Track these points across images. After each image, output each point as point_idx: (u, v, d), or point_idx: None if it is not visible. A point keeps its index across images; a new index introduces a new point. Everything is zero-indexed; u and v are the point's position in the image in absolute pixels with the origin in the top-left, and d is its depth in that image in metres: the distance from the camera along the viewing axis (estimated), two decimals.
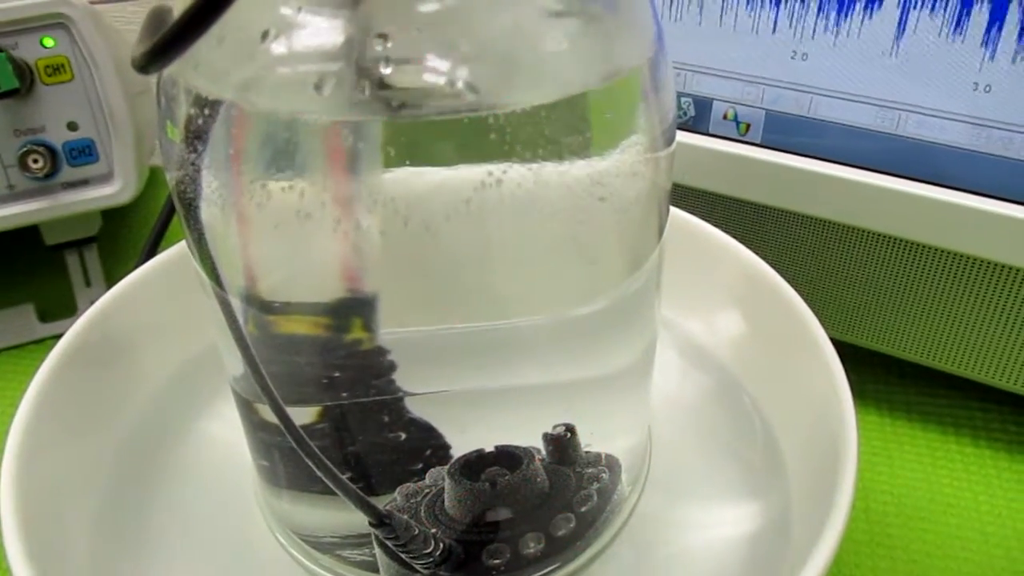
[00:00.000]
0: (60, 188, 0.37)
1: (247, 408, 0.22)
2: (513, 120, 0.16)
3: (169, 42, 0.13)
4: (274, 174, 0.16)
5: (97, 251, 0.41)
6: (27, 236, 0.38)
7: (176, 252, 0.28)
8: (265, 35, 0.15)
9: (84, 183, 0.37)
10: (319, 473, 0.20)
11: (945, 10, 0.27)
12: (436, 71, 0.15)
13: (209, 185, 0.18)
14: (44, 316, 0.41)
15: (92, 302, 0.41)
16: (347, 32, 0.15)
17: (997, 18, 0.26)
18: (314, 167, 0.16)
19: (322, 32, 0.15)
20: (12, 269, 0.43)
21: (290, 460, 0.23)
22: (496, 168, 0.16)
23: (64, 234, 0.39)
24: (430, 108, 0.15)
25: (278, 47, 0.15)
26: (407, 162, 0.16)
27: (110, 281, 0.41)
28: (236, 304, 0.19)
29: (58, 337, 0.40)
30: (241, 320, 0.19)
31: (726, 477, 0.26)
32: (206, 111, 0.16)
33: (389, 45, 0.15)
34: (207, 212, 0.18)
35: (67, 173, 0.36)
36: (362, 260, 0.18)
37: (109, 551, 0.23)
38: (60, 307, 0.41)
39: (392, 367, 0.21)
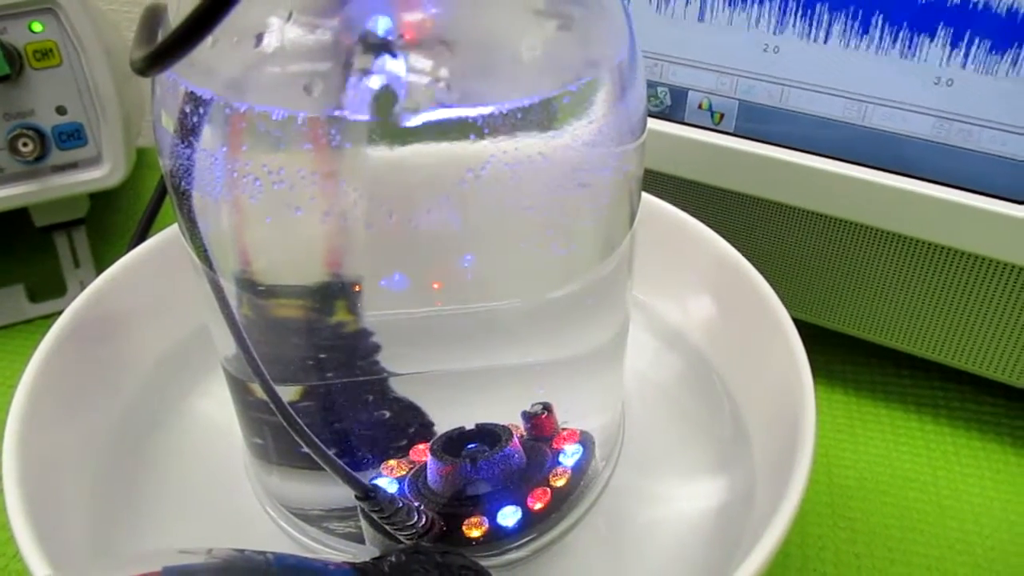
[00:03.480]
0: (49, 171, 0.37)
1: (238, 387, 0.23)
2: (493, 119, 0.17)
3: (168, 49, 0.13)
4: (264, 168, 0.17)
5: (86, 232, 0.42)
6: (17, 218, 0.39)
7: (168, 235, 0.29)
8: (259, 39, 0.16)
9: (73, 166, 0.38)
10: (308, 449, 0.21)
11: (900, 16, 0.28)
12: (420, 72, 0.16)
13: (201, 175, 0.19)
14: (34, 296, 0.41)
15: (81, 283, 0.42)
16: (335, 36, 0.16)
17: (951, 21, 0.28)
18: (303, 162, 0.17)
19: (311, 36, 0.16)
20: (2, 251, 0.44)
21: (280, 437, 0.24)
22: (476, 163, 0.17)
23: (53, 216, 0.40)
24: (412, 107, 0.16)
25: (270, 51, 0.16)
26: (391, 157, 0.17)
27: (98, 262, 0.42)
28: (227, 286, 0.20)
29: (48, 317, 0.41)
30: (232, 302, 0.20)
31: (695, 452, 0.27)
32: (199, 108, 0.17)
33: (376, 48, 0.16)
34: (199, 199, 0.19)
35: (56, 156, 0.37)
36: (348, 248, 0.19)
37: (106, 519, 0.24)
38: (50, 288, 0.42)
39: (376, 348, 0.23)
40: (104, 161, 0.38)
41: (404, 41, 0.16)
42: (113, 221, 0.46)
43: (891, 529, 0.31)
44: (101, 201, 0.42)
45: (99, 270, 0.42)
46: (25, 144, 0.36)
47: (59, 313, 0.41)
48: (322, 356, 0.23)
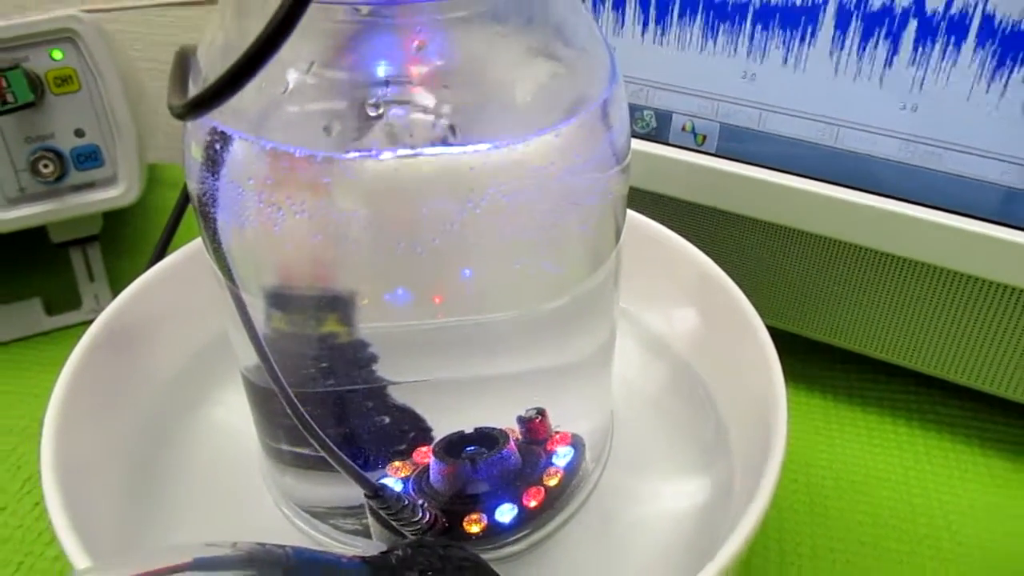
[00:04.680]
0: (68, 191, 0.39)
1: (257, 393, 0.25)
2: (491, 155, 0.19)
3: (207, 99, 0.15)
4: (287, 199, 0.19)
5: (100, 248, 0.44)
6: (34, 235, 0.41)
7: (185, 252, 0.31)
8: (282, 85, 0.18)
9: (90, 186, 0.40)
10: (322, 451, 0.23)
11: (873, 35, 0.30)
12: (425, 113, 0.18)
13: (226, 201, 0.21)
14: (50, 309, 0.43)
15: (96, 296, 0.44)
16: (349, 82, 0.18)
17: (922, 43, 0.30)
18: (321, 194, 0.19)
19: (328, 83, 0.18)
20: (20, 266, 0.46)
21: (295, 440, 0.26)
22: (476, 194, 0.19)
23: (69, 233, 0.42)
24: (420, 146, 0.18)
25: (293, 96, 0.18)
26: (400, 189, 0.19)
27: (112, 277, 0.44)
28: (249, 300, 0.22)
29: (64, 329, 0.43)
30: (253, 315, 0.22)
31: (680, 454, 0.29)
32: (226, 143, 0.19)
33: (387, 94, 0.18)
34: (223, 222, 0.21)
35: (74, 177, 0.39)
36: (360, 269, 0.21)
37: (134, 517, 0.26)
38: (65, 301, 0.44)
39: (373, 358, 0.24)
40: (119, 181, 0.40)
41: (411, 85, 0.18)
42: (125, 237, 0.48)
43: (864, 525, 0.33)
44: (114, 218, 0.44)
45: (112, 284, 0.44)
46: (46, 165, 0.38)
47: (74, 325, 0.43)
48: (334, 366, 0.24)
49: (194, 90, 0.20)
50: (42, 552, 0.32)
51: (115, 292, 0.43)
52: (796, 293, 0.37)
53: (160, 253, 0.31)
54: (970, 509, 0.33)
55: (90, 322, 0.42)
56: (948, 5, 0.29)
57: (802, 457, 0.35)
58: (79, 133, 0.38)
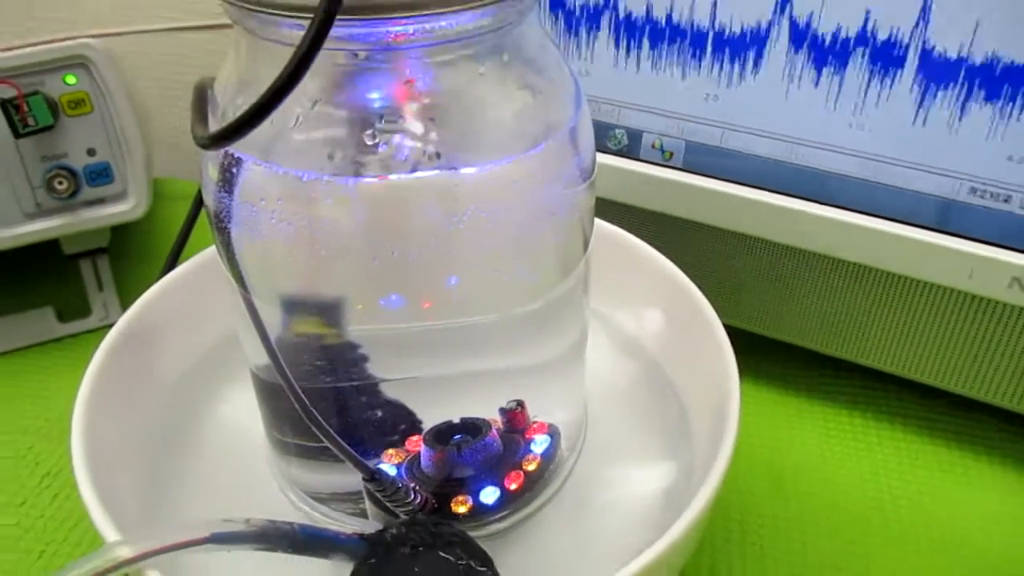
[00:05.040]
0: (80, 206, 0.42)
1: (265, 389, 0.28)
2: (473, 177, 0.22)
3: (231, 133, 0.18)
4: (296, 215, 0.22)
5: (108, 259, 0.46)
6: (46, 247, 0.44)
7: (197, 261, 0.34)
8: (295, 121, 0.21)
9: (101, 201, 0.42)
10: (325, 441, 0.26)
11: (823, 62, 0.33)
12: (416, 141, 0.21)
13: (240, 217, 0.24)
14: (62, 317, 0.46)
15: (104, 304, 0.46)
16: (349, 114, 0.21)
17: (876, 68, 0.33)
18: (326, 211, 0.22)
19: (331, 117, 0.21)
20: (33, 276, 0.49)
21: (299, 432, 0.29)
22: (460, 210, 0.22)
23: (80, 245, 0.45)
24: (410, 170, 0.21)
25: (301, 126, 0.21)
26: (394, 207, 0.22)
27: (119, 286, 0.47)
28: (260, 306, 0.25)
29: (75, 336, 0.46)
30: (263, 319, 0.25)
31: (647, 443, 0.32)
32: (240, 167, 0.22)
33: (381, 126, 0.21)
34: (237, 235, 0.24)
35: (86, 193, 0.42)
36: (359, 276, 0.24)
37: (153, 499, 0.29)
38: (76, 309, 0.46)
39: (365, 358, 0.27)
40: (129, 196, 0.42)
41: (402, 118, 0.21)
42: (132, 249, 0.51)
43: (820, 508, 0.36)
44: (121, 231, 0.47)
45: (120, 293, 0.46)
46: (60, 182, 0.40)
47: (85, 332, 0.46)
48: (332, 365, 0.27)
49: (212, 120, 0.22)
50: (64, 539, 0.35)
51: (123, 300, 0.46)
52: (758, 296, 0.40)
53: (172, 262, 0.33)
54: (917, 494, 0.36)
55: (99, 329, 0.45)
56: (888, 39, 0.32)
57: (765, 446, 0.38)
58: (91, 152, 0.41)
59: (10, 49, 0.39)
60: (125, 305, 0.46)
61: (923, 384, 0.38)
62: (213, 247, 0.34)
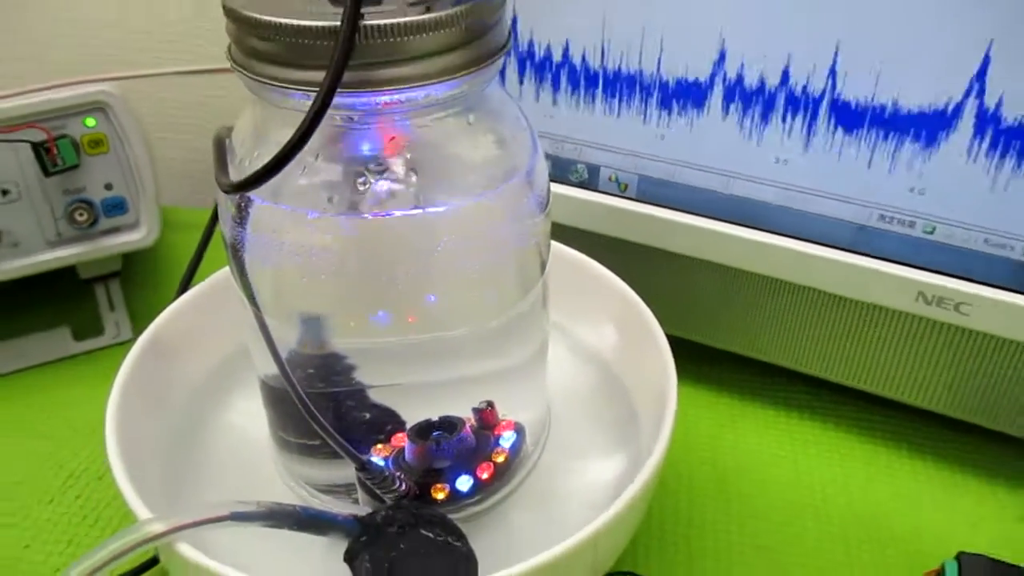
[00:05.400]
0: (97, 235, 0.47)
1: (272, 394, 0.33)
2: (446, 214, 0.27)
3: (250, 183, 0.23)
4: (302, 246, 0.27)
5: (119, 283, 0.51)
6: (63, 271, 0.48)
7: (209, 283, 0.38)
8: (302, 169, 0.26)
9: (116, 230, 0.47)
10: (325, 438, 0.30)
11: (752, 108, 0.39)
12: (399, 184, 0.26)
13: (253, 246, 0.28)
14: (77, 336, 0.50)
15: (116, 324, 0.51)
16: (345, 164, 0.26)
17: (786, 115, 0.38)
18: (326, 243, 0.26)
19: (330, 167, 0.26)
20: (51, 299, 0.53)
21: (300, 433, 0.33)
22: (435, 242, 0.27)
23: (95, 270, 0.49)
24: (395, 209, 0.26)
25: (305, 174, 0.26)
26: (382, 239, 0.26)
27: (130, 307, 0.51)
28: (269, 322, 0.30)
29: (89, 353, 0.50)
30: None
31: (602, 438, 0.37)
32: (251, 204, 0.27)
33: (371, 170, 0.26)
34: (250, 261, 0.29)
35: (103, 223, 0.46)
36: (353, 296, 0.29)
37: (173, 485, 0.33)
38: (90, 329, 0.51)
39: (356, 367, 0.32)
40: (141, 226, 0.47)
41: (388, 167, 0.26)
42: (141, 273, 0.55)
43: (759, 496, 0.40)
44: (131, 256, 0.51)
45: (130, 314, 0.51)
46: (80, 214, 0.45)
47: (98, 349, 0.50)
48: (310, 371, 0.32)
49: (231, 167, 0.27)
50: (86, 533, 0.39)
51: (133, 320, 0.51)
52: (702, 310, 0.45)
53: (185, 285, 0.38)
54: (844, 484, 0.41)
55: (112, 346, 0.49)
56: (804, 89, 0.37)
57: (710, 444, 0.43)
58: (108, 186, 0.46)
59: (34, 91, 0.44)
60: (135, 324, 0.51)
61: (851, 388, 0.44)
62: (220, 271, 0.39)
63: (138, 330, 0.49)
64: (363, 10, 0.23)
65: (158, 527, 0.27)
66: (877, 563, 0.37)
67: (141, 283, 0.54)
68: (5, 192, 0.43)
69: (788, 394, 0.46)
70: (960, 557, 0.36)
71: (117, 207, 0.46)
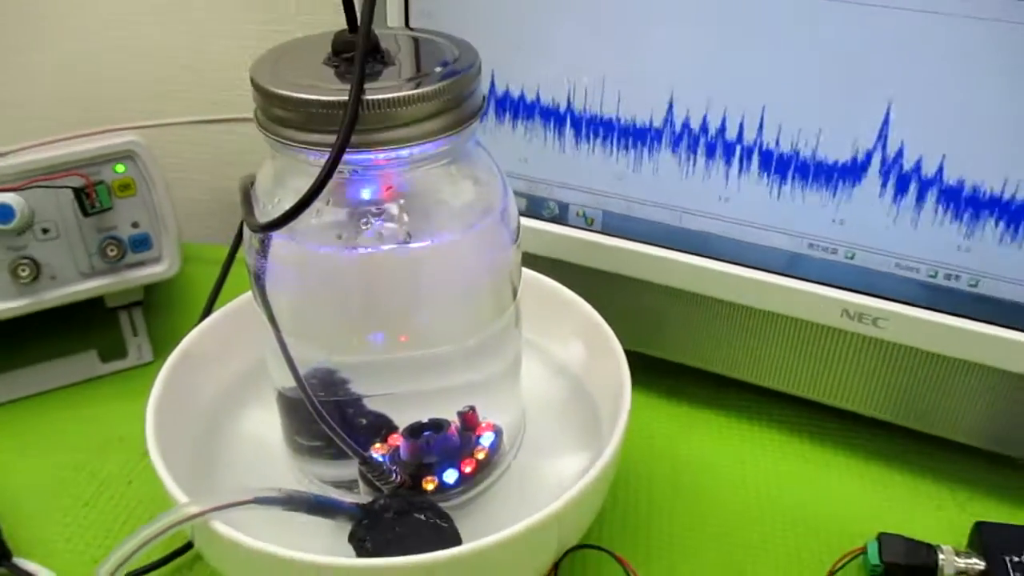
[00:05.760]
0: (124, 268, 0.52)
1: (288, 403, 0.38)
2: (433, 248, 0.33)
3: (276, 224, 0.29)
4: (314, 276, 0.33)
5: (142, 311, 0.56)
6: (91, 300, 0.54)
7: (229, 307, 0.44)
8: (316, 213, 0.32)
9: (141, 264, 0.53)
10: (334, 438, 0.36)
11: (697, 154, 0.45)
12: (394, 223, 0.32)
13: (272, 274, 0.34)
14: (103, 358, 0.56)
15: (139, 347, 0.57)
16: (350, 208, 0.32)
17: (727, 160, 0.44)
18: (335, 273, 0.32)
19: (338, 209, 0.32)
20: (80, 325, 0.58)
21: (312, 436, 0.39)
22: (424, 269, 0.33)
23: (121, 299, 0.55)
24: (391, 244, 0.32)
25: (317, 215, 0.32)
26: (381, 268, 0.33)
27: (151, 333, 0.57)
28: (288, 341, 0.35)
29: (115, 373, 0.56)
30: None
31: (570, 439, 0.43)
32: (271, 239, 0.33)
33: (371, 214, 0.32)
34: (270, 287, 0.35)
35: (130, 257, 0.52)
36: (357, 317, 0.35)
37: (201, 476, 0.39)
38: (114, 352, 0.56)
39: (357, 379, 0.38)
40: (163, 260, 0.53)
41: (385, 209, 0.32)
42: (160, 302, 0.61)
43: (711, 490, 0.46)
44: (152, 287, 0.57)
45: (151, 338, 0.56)
46: (111, 250, 0.51)
47: (123, 371, 0.56)
48: (312, 382, 0.38)
49: (256, 210, 0.33)
50: (119, 529, 0.44)
51: (153, 344, 0.56)
52: (660, 329, 0.51)
53: (208, 309, 0.44)
54: (783, 479, 0.47)
55: (135, 368, 0.55)
56: (738, 138, 0.43)
57: (668, 446, 0.49)
58: (135, 225, 0.52)
59: (71, 138, 0.50)
60: (156, 348, 0.56)
61: (790, 395, 0.49)
62: (238, 298, 0.44)
63: (159, 352, 0.55)
64: (364, 85, 0.29)
65: (195, 508, 0.33)
66: (811, 544, 0.43)
67: (160, 311, 0.60)
68: (46, 231, 0.49)
69: (738, 403, 0.52)
70: (880, 537, 0.41)
71: (143, 243, 0.52)
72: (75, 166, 0.48)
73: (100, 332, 0.57)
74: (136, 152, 0.51)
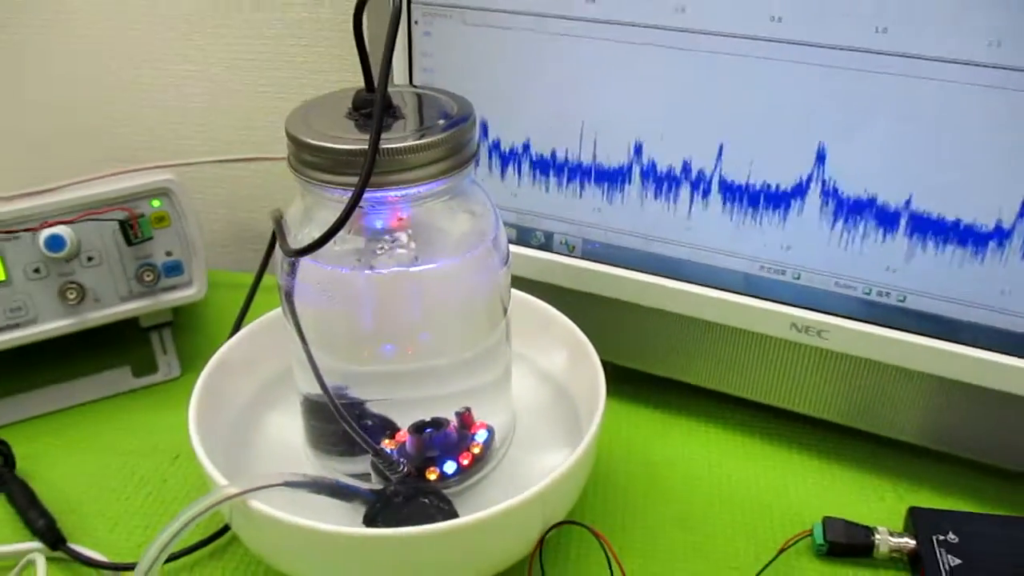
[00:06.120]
0: (158, 291, 0.59)
1: (312, 407, 0.45)
2: (435, 270, 0.39)
3: (307, 250, 0.36)
4: (337, 294, 0.39)
5: (171, 330, 0.63)
6: (126, 321, 0.60)
7: (257, 323, 0.50)
8: (338, 239, 0.38)
9: (173, 288, 0.59)
10: (353, 435, 0.42)
11: (662, 188, 0.52)
12: (401, 248, 0.39)
13: (300, 292, 0.41)
14: (135, 374, 0.62)
15: (168, 364, 0.63)
16: (367, 235, 0.39)
17: (695, 191, 0.51)
18: (354, 293, 0.39)
19: (356, 237, 0.39)
20: (115, 343, 0.65)
21: (330, 434, 0.45)
22: (428, 289, 0.39)
23: (153, 320, 0.61)
24: (401, 267, 0.39)
25: (340, 243, 0.39)
26: (391, 289, 0.39)
27: (179, 350, 0.63)
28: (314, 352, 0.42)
29: (146, 387, 0.62)
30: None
31: (554, 438, 0.49)
32: (298, 263, 0.39)
33: (384, 240, 0.39)
34: (299, 304, 0.41)
35: (163, 282, 0.59)
36: (370, 330, 0.41)
37: (233, 467, 0.45)
38: (146, 367, 0.62)
39: (372, 384, 0.44)
40: (193, 284, 0.59)
41: (396, 235, 0.39)
42: (186, 322, 0.68)
43: (679, 484, 0.52)
44: (180, 308, 0.63)
45: (179, 356, 0.63)
46: (148, 275, 0.57)
47: (154, 385, 0.62)
48: (351, 389, 0.44)
49: (289, 238, 0.40)
50: (158, 520, 0.50)
51: (181, 361, 0.62)
52: (635, 342, 0.57)
53: (237, 325, 0.50)
54: (747, 476, 0.53)
55: (165, 382, 0.61)
56: (700, 173, 0.50)
57: (643, 448, 0.55)
58: (168, 253, 0.58)
59: (108, 176, 0.57)
60: (183, 364, 0.62)
61: (752, 400, 0.56)
62: (263, 316, 0.51)
63: (186, 368, 0.61)
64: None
65: (233, 490, 0.39)
66: (766, 529, 0.49)
67: (184, 330, 0.66)
68: (90, 258, 0.56)
69: (705, 408, 0.59)
70: (825, 520, 0.48)
71: (175, 269, 0.58)
72: (120, 201, 0.55)
73: (133, 350, 0.64)
74: (171, 189, 0.57)
